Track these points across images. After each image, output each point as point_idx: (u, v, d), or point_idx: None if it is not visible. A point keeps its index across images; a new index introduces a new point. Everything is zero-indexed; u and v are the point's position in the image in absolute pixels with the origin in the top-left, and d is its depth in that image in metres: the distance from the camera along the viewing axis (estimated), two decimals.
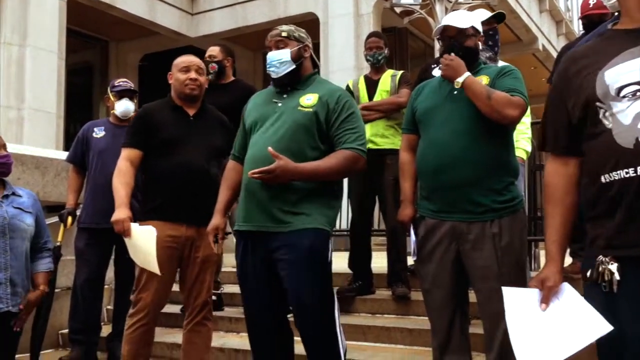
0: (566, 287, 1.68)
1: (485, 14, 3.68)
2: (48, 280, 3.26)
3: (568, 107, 1.68)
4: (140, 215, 3.05)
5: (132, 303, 3.04)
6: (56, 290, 4.09)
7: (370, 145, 4.02)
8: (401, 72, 4.31)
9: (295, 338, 2.66)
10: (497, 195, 2.58)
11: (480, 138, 2.60)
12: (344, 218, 5.27)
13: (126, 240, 2.94)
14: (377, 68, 4.24)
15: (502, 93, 2.48)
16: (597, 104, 1.59)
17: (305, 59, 2.64)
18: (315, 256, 2.42)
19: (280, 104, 2.57)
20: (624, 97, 1.53)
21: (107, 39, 11.89)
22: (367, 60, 4.27)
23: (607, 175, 1.56)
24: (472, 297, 2.72)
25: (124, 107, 3.93)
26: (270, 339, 2.56)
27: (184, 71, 3.10)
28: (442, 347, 2.70)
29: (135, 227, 2.91)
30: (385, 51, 4.22)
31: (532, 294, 1.79)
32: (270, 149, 2.37)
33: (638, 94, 1.51)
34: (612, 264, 1.50)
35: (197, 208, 2.99)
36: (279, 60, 2.57)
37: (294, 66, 2.59)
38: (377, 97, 4.11)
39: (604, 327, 1.55)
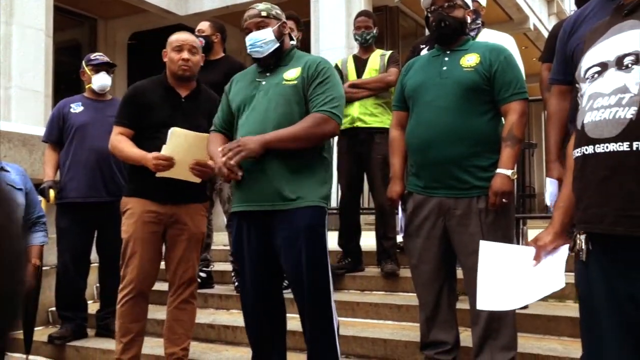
0: (563, 249, 1.72)
1: None
2: (41, 255, 3.24)
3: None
4: (127, 191, 3.04)
5: (120, 278, 3.05)
6: (45, 268, 4.10)
7: (358, 124, 4.03)
8: (390, 51, 4.30)
9: (292, 315, 2.69)
10: (482, 172, 2.60)
11: (468, 115, 2.61)
12: (334, 197, 5.28)
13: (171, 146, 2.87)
14: (366, 47, 4.21)
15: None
16: (576, 85, 1.63)
17: (285, 35, 2.64)
18: (312, 234, 2.44)
19: (264, 82, 2.57)
20: (586, 78, 1.55)
21: (95, 17, 11.72)
22: (356, 39, 4.25)
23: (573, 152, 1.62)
24: (460, 273, 2.75)
25: (102, 80, 3.89)
26: (265, 314, 2.59)
27: (177, 50, 3.04)
28: (430, 321, 2.73)
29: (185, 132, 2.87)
30: (374, 31, 4.19)
31: (508, 249, 1.90)
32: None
33: (596, 75, 1.52)
34: (582, 234, 1.54)
35: (180, 187, 3.01)
36: (263, 40, 2.56)
37: (277, 44, 2.59)
38: (366, 76, 4.09)
39: (558, 284, 1.66)
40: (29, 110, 7.16)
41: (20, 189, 3.10)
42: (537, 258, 1.73)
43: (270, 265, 2.54)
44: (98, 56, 3.98)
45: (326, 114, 2.45)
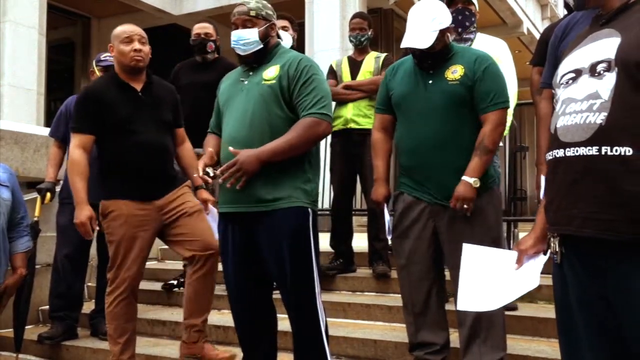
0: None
1: None
2: (27, 262, 3.23)
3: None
4: (105, 194, 2.99)
5: (108, 281, 3.03)
6: (36, 267, 4.08)
7: (352, 125, 4.05)
8: (385, 54, 4.31)
9: (283, 315, 2.69)
10: None
11: (455, 124, 2.63)
12: (327, 198, 5.30)
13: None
14: (361, 49, 4.22)
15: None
16: (552, 90, 1.70)
17: (271, 37, 2.59)
18: (295, 236, 2.42)
19: (246, 82, 2.54)
20: (561, 84, 1.61)
21: (89, 16, 11.69)
22: (350, 41, 4.26)
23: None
24: (449, 274, 2.76)
25: None
26: (252, 315, 2.59)
27: (127, 42, 2.97)
28: (419, 322, 2.74)
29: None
30: (369, 33, 4.20)
31: (491, 253, 1.92)
32: (230, 148, 2.38)
33: (570, 81, 1.57)
34: (556, 238, 1.57)
35: (160, 182, 3.01)
36: (246, 40, 2.51)
37: (261, 46, 2.54)
38: (360, 78, 4.11)
39: (532, 283, 1.71)
40: (21, 108, 7.14)
41: (6, 186, 3.10)
42: (519, 262, 1.76)
43: (254, 267, 2.52)
44: (108, 57, 3.95)
45: (316, 117, 2.42)
